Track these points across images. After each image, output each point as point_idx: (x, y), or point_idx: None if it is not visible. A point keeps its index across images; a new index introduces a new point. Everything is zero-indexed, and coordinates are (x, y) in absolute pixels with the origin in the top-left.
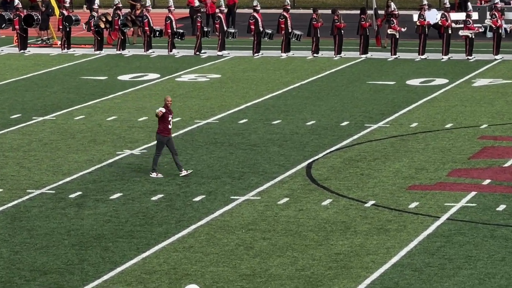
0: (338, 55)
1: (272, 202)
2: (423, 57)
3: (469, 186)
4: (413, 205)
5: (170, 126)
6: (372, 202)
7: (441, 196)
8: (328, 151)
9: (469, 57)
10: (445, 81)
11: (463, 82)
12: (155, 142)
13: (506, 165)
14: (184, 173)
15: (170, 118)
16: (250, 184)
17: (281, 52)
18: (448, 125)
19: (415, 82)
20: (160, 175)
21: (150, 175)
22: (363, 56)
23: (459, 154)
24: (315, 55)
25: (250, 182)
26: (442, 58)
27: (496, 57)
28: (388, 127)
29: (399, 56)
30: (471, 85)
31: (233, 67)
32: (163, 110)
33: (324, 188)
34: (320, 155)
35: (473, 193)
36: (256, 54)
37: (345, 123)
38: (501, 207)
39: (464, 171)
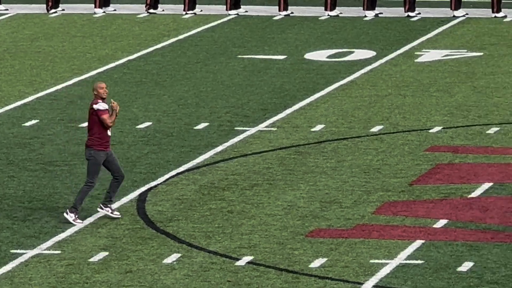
0: (191, 11)
1: (81, 259)
2: (333, 13)
3: (411, 230)
4: (317, 263)
5: (109, 133)
6: (249, 258)
7: (364, 247)
8: (173, 172)
9: (411, 13)
10: (370, 53)
11: (401, 55)
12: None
13: (472, 195)
14: (107, 212)
15: None
16: (43, 229)
17: (95, 7)
18: (376, 129)
19: (319, 55)
20: (79, 221)
21: (67, 215)
22: (233, 12)
23: (394, 177)
24: (151, 10)
25: (43, 225)
26: (366, 16)
27: (456, 13)
28: (275, 131)
29: (293, 12)
30: (413, 61)
31: (14, 32)
32: (105, 104)
33: (167, 235)
34: (161, 179)
35: (418, 243)
36: (53, 10)
37: (202, 125)
38: (466, 265)
39: (402, 205)
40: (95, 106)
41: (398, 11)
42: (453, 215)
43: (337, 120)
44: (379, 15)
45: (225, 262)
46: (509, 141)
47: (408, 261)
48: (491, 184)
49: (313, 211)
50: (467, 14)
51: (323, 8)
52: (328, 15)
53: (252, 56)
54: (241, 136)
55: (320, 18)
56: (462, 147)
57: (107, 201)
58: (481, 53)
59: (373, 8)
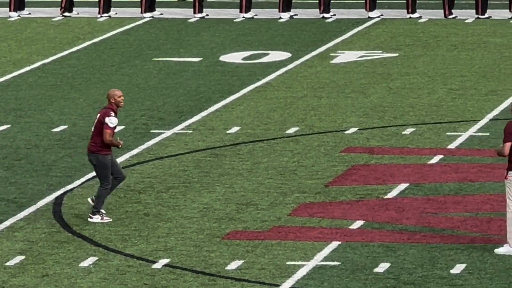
0: (106, 14)
1: None
2: (248, 15)
3: (328, 231)
4: (233, 265)
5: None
6: (166, 261)
7: (280, 249)
8: (89, 175)
9: (326, 15)
10: (285, 55)
11: (316, 57)
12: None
13: (388, 195)
14: (99, 220)
15: (116, 129)
16: None
17: (10, 11)
18: (292, 130)
19: (234, 57)
20: (107, 219)
21: (91, 219)
22: (148, 15)
23: (310, 179)
24: (66, 14)
25: None
26: (281, 18)
27: (371, 14)
28: (190, 134)
29: (208, 15)
30: (329, 62)
31: None
32: (116, 121)
33: (83, 239)
34: (77, 182)
35: (334, 244)
36: None
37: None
38: (382, 266)
39: (319, 206)
40: (106, 119)
41: (313, 13)
42: (369, 216)
43: (253, 122)
44: (294, 17)
45: (142, 265)
46: (425, 141)
47: (324, 263)
48: (407, 184)
49: (229, 213)
50: (382, 15)
51: (238, 10)
52: (243, 17)
53: (167, 59)
54: (157, 139)
55: (235, 20)
56: (378, 148)
57: (96, 210)
58: (396, 54)
59: (288, 10)
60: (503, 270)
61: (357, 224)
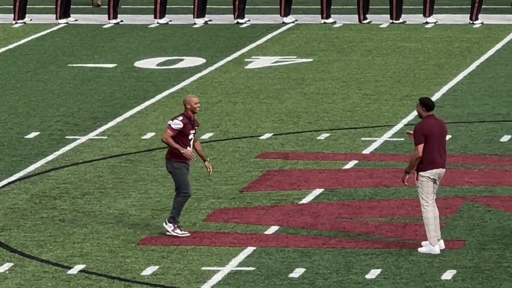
0: (21, 21)
1: None
2: (162, 21)
3: (243, 237)
4: (149, 270)
5: (189, 148)
6: (81, 266)
7: (195, 255)
8: (5, 182)
9: (240, 20)
10: (200, 61)
11: (230, 62)
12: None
13: (303, 201)
14: (170, 229)
15: (191, 136)
16: None
17: None
18: (207, 136)
19: (149, 63)
20: (184, 232)
21: (168, 232)
22: (63, 21)
23: (225, 184)
24: None
25: None
26: (195, 23)
27: (285, 19)
28: (105, 139)
29: (122, 21)
30: (243, 68)
31: None
32: (180, 124)
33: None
34: None
35: (249, 249)
36: None
37: (33, 134)
38: (297, 271)
39: (233, 212)
40: (170, 121)
41: (228, 18)
42: (284, 222)
43: None
44: (209, 22)
45: (57, 270)
46: (339, 147)
47: (239, 268)
48: (322, 190)
49: (144, 219)
50: (296, 20)
51: (152, 16)
52: (158, 23)
53: (82, 65)
54: (72, 145)
55: (149, 26)
56: (292, 153)
57: (175, 219)
58: (311, 59)
59: (202, 16)
60: (418, 275)
61: (272, 229)
